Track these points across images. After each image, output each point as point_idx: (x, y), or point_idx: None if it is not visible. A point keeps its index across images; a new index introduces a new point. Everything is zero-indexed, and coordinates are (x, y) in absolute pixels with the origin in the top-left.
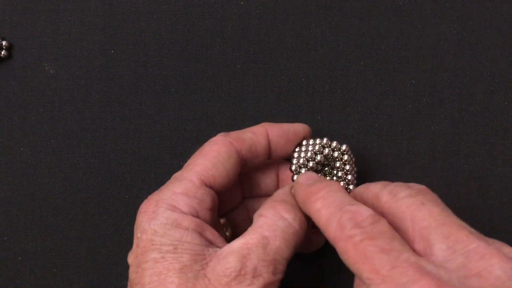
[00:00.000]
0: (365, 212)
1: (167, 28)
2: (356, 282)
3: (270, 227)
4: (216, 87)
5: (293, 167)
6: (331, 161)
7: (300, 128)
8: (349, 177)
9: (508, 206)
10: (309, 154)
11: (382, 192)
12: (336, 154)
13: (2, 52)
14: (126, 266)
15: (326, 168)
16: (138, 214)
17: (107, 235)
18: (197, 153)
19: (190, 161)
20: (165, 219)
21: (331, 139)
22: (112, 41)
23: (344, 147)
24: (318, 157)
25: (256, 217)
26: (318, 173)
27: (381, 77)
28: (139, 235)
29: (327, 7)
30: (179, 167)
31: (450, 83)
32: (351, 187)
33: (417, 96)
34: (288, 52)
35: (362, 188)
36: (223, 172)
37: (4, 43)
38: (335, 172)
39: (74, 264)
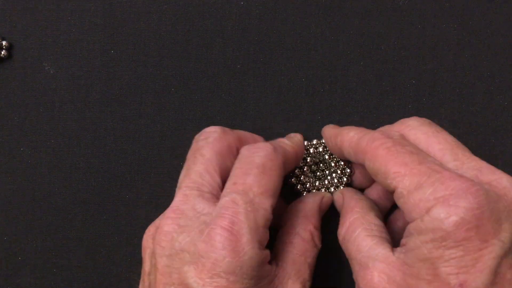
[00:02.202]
0: (394, 131)
1: (167, 28)
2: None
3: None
4: (216, 87)
5: (293, 179)
6: (320, 157)
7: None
8: (342, 162)
9: None
10: None
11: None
12: (321, 148)
13: (2, 52)
14: (126, 266)
15: (321, 165)
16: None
17: (107, 235)
18: (259, 171)
19: (258, 182)
20: (257, 256)
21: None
22: (112, 41)
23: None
24: (308, 159)
25: (293, 235)
26: (316, 175)
27: (381, 77)
28: (229, 259)
29: (327, 7)
30: (179, 167)
31: (450, 83)
32: (348, 170)
33: (417, 96)
34: (288, 52)
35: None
36: (277, 202)
37: (4, 43)
38: (328, 164)
39: (74, 264)
